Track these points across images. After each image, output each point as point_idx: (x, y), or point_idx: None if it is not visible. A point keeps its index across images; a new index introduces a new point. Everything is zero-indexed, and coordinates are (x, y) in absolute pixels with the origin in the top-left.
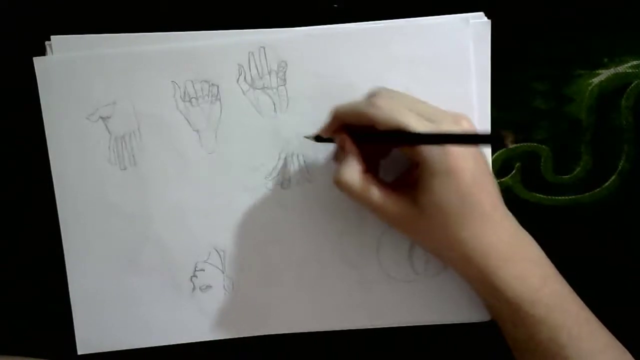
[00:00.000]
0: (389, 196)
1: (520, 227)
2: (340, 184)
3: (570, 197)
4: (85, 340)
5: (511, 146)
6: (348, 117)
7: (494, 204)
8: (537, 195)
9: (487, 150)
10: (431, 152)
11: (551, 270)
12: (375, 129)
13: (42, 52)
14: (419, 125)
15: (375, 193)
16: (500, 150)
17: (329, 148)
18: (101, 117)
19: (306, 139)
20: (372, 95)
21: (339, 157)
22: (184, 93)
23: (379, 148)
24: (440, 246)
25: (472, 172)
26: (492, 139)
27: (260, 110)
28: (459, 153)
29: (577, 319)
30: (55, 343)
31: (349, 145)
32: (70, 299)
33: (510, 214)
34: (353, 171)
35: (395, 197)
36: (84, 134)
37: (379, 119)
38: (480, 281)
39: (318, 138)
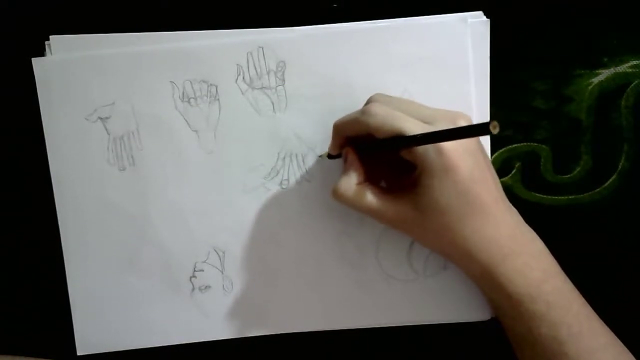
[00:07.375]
0: (387, 201)
1: (523, 222)
2: (336, 196)
3: (570, 197)
4: (85, 341)
5: (494, 132)
6: (347, 129)
7: (494, 199)
8: (537, 195)
9: (486, 149)
10: (427, 152)
11: (553, 266)
12: (374, 137)
13: (41, 52)
14: (414, 128)
15: (372, 200)
16: (501, 150)
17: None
18: (100, 118)
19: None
20: (367, 103)
21: (344, 169)
22: (183, 93)
23: (385, 155)
24: (443, 244)
25: (469, 169)
26: (477, 128)
27: (259, 110)
28: (455, 151)
29: (577, 316)
30: (55, 343)
31: (351, 157)
32: (69, 299)
33: (512, 208)
34: (348, 182)
35: (395, 201)
36: (82, 135)
37: (374, 126)
38: (482, 277)
39: (330, 156)
